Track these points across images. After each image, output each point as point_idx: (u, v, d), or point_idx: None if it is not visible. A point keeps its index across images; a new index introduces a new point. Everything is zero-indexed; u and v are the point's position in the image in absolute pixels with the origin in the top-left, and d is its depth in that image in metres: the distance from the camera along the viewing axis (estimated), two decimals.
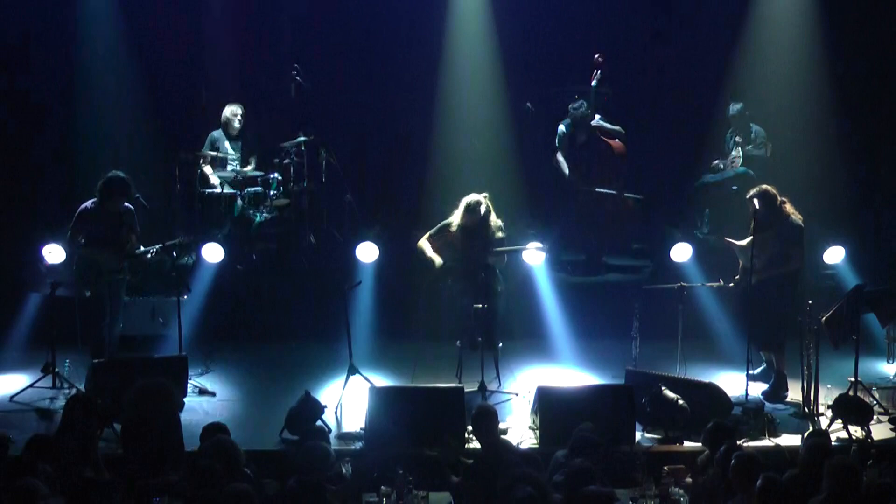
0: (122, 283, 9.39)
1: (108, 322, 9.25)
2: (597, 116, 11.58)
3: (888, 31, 12.77)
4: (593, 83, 11.57)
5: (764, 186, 9.13)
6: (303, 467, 6.26)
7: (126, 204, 9.30)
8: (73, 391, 8.73)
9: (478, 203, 9.19)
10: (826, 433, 7.66)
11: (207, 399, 8.90)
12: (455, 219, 9.34)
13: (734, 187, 11.46)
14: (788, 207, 9.07)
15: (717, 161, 11.85)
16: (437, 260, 9.29)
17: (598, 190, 11.47)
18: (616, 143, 11.56)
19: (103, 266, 9.13)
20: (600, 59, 11.58)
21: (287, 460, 7.07)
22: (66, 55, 12.10)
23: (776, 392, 9.04)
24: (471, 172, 11.52)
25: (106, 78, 12.25)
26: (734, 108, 11.81)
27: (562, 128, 11.62)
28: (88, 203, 9.29)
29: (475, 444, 7.71)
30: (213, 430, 6.86)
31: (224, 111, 11.63)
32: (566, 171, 11.51)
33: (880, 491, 5.75)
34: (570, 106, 11.69)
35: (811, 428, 8.09)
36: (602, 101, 12.15)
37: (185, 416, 8.02)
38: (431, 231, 9.45)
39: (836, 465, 5.81)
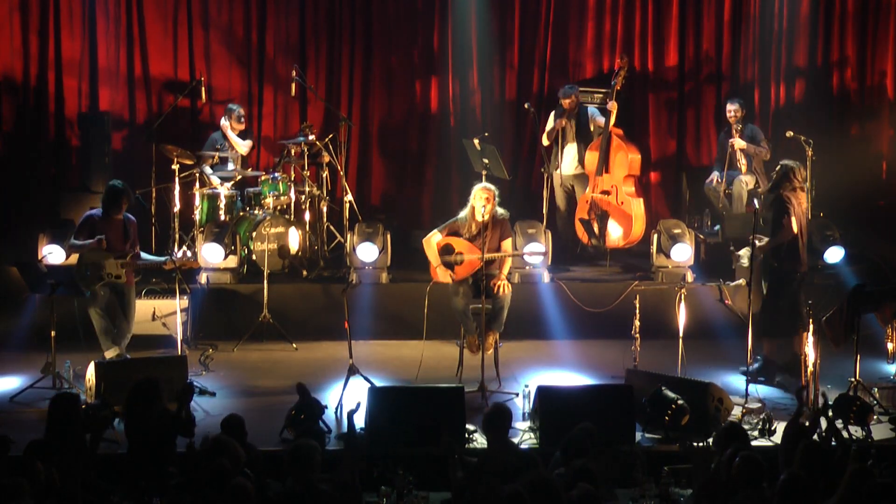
0: (126, 289, 9.40)
1: (107, 325, 9.28)
2: (591, 110, 11.57)
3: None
4: (612, 82, 11.53)
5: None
6: (292, 466, 6.25)
7: (128, 215, 9.44)
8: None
9: (486, 200, 9.11)
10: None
11: (207, 399, 8.89)
12: (464, 213, 9.32)
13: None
14: None
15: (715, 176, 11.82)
16: (435, 261, 9.25)
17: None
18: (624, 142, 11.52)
19: (105, 272, 9.18)
20: (625, 60, 11.56)
21: (281, 460, 7.06)
22: None
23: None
24: (471, 172, 11.50)
25: None
26: (731, 105, 11.79)
27: (553, 113, 11.62)
28: (94, 211, 9.41)
29: (474, 444, 7.74)
30: (229, 425, 6.85)
31: (227, 110, 11.81)
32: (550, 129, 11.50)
33: (880, 491, 5.74)
34: (559, 92, 11.68)
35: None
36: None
37: None
38: (441, 226, 9.42)
39: (855, 470, 5.83)
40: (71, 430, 6.68)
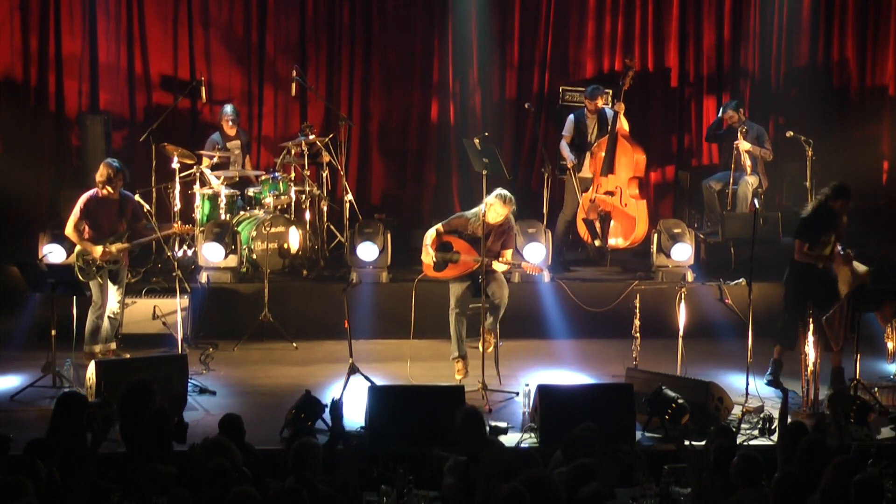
0: (120, 269, 9.42)
1: (102, 312, 9.32)
2: (607, 111, 11.56)
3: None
4: (620, 82, 11.51)
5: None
6: (292, 466, 6.24)
7: (125, 193, 9.44)
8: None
9: (503, 209, 9.02)
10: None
11: (207, 398, 8.90)
12: (474, 211, 9.23)
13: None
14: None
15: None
16: (430, 258, 9.21)
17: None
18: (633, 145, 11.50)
19: (102, 259, 9.20)
20: (633, 60, 11.53)
21: (282, 459, 7.07)
22: None
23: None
24: (471, 172, 11.50)
25: None
26: (725, 114, 11.75)
27: (572, 116, 11.61)
28: (90, 192, 9.37)
29: None
30: (227, 424, 6.85)
31: (220, 112, 11.83)
32: (569, 157, 11.46)
33: (869, 486, 5.71)
34: (585, 93, 11.64)
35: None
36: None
37: (185, 415, 8.03)
38: (445, 221, 9.38)
39: (837, 463, 5.82)
40: (75, 430, 6.68)
